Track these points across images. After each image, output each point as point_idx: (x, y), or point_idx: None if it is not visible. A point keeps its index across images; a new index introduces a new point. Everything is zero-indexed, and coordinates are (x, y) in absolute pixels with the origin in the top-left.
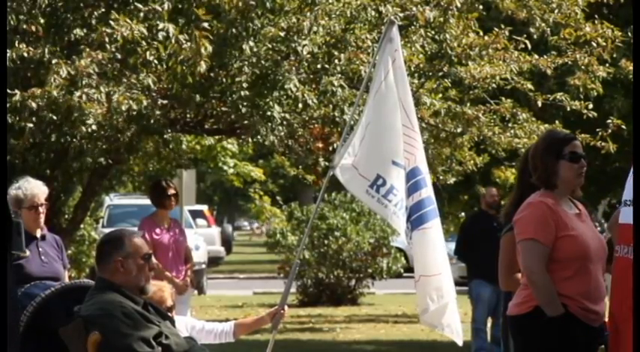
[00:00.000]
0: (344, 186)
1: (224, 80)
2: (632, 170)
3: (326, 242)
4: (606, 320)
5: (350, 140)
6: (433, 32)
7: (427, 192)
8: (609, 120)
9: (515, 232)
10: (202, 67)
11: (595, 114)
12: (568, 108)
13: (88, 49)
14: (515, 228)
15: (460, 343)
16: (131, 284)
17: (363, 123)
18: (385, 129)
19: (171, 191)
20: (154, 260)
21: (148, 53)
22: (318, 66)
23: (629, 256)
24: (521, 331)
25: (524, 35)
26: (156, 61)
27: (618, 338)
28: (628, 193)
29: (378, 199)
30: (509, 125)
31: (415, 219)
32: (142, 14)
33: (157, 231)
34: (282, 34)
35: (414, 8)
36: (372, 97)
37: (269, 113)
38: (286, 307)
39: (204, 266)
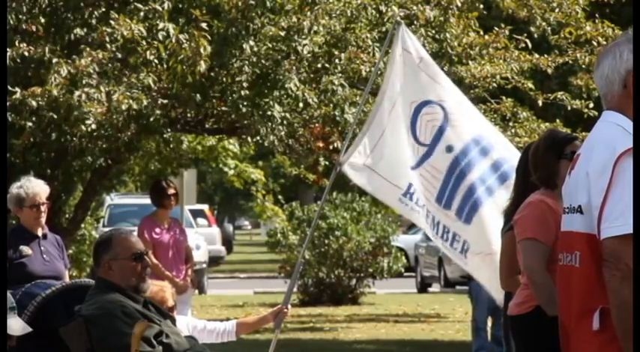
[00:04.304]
0: (358, 185)
1: (224, 79)
2: (568, 176)
3: (327, 241)
4: None
5: (360, 139)
6: (433, 31)
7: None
8: None
9: (515, 232)
10: (202, 66)
11: (596, 113)
12: (569, 108)
13: (88, 49)
14: (515, 227)
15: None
16: (123, 284)
17: (375, 124)
18: (408, 134)
19: (171, 191)
20: (152, 259)
21: (148, 53)
22: (319, 65)
23: (571, 264)
24: (521, 331)
25: (525, 34)
26: (156, 61)
27: (569, 347)
28: (569, 199)
29: (411, 207)
30: (510, 124)
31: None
32: (142, 14)
33: (157, 230)
34: (282, 33)
35: (415, 7)
36: (387, 101)
37: (269, 112)
38: (289, 306)
39: (204, 265)
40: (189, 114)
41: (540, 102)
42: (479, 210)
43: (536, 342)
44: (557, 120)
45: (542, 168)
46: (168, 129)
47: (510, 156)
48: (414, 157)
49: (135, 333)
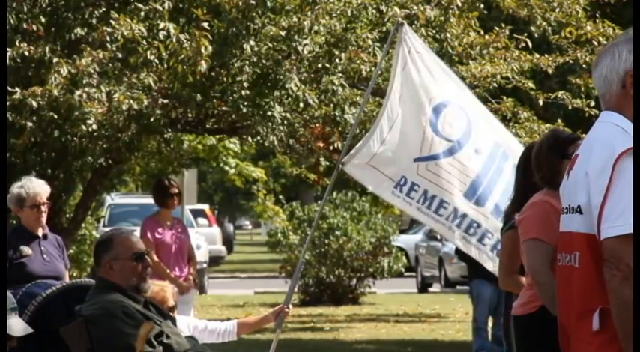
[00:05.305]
0: (359, 182)
1: (225, 79)
2: (566, 176)
3: (327, 241)
4: None
5: (366, 141)
6: (434, 31)
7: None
8: None
9: (519, 233)
10: (203, 66)
11: (597, 112)
12: (569, 107)
13: (88, 49)
14: (519, 228)
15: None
16: (124, 284)
17: (383, 125)
18: (408, 131)
19: (174, 190)
20: (154, 257)
21: (148, 53)
22: (319, 65)
23: (571, 264)
24: (526, 331)
25: (525, 34)
26: (156, 61)
27: (569, 348)
28: (568, 200)
29: (403, 199)
30: (510, 124)
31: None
32: (142, 14)
33: (160, 230)
34: (282, 33)
35: (415, 7)
36: (393, 102)
37: (270, 113)
38: (290, 306)
39: (205, 265)
40: (189, 114)
41: (541, 102)
42: None
43: (541, 342)
44: (559, 120)
45: (546, 168)
46: (169, 129)
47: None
48: (422, 150)
49: (140, 334)
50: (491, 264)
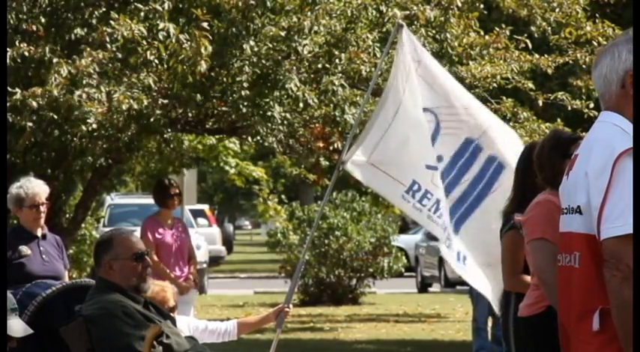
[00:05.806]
0: (363, 182)
1: (225, 80)
2: (566, 176)
3: (326, 241)
4: None
5: (362, 137)
6: (434, 31)
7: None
8: None
9: (524, 233)
10: (203, 66)
11: (596, 113)
12: (569, 108)
13: (88, 49)
14: (523, 229)
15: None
16: (124, 284)
17: (377, 124)
18: (416, 134)
19: (174, 190)
20: (154, 257)
21: (148, 53)
22: (319, 65)
23: (571, 265)
24: (533, 331)
25: (525, 34)
26: (156, 61)
27: (569, 348)
28: (568, 200)
29: (413, 205)
30: (510, 124)
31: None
32: (142, 14)
33: (160, 230)
34: (282, 33)
35: (415, 7)
36: (391, 102)
37: (269, 113)
38: (291, 306)
39: (205, 265)
40: (189, 114)
41: (540, 103)
42: (466, 222)
43: (548, 343)
44: (558, 120)
45: (548, 169)
46: (169, 129)
47: (504, 150)
48: (430, 156)
49: (147, 337)
50: (462, 271)
